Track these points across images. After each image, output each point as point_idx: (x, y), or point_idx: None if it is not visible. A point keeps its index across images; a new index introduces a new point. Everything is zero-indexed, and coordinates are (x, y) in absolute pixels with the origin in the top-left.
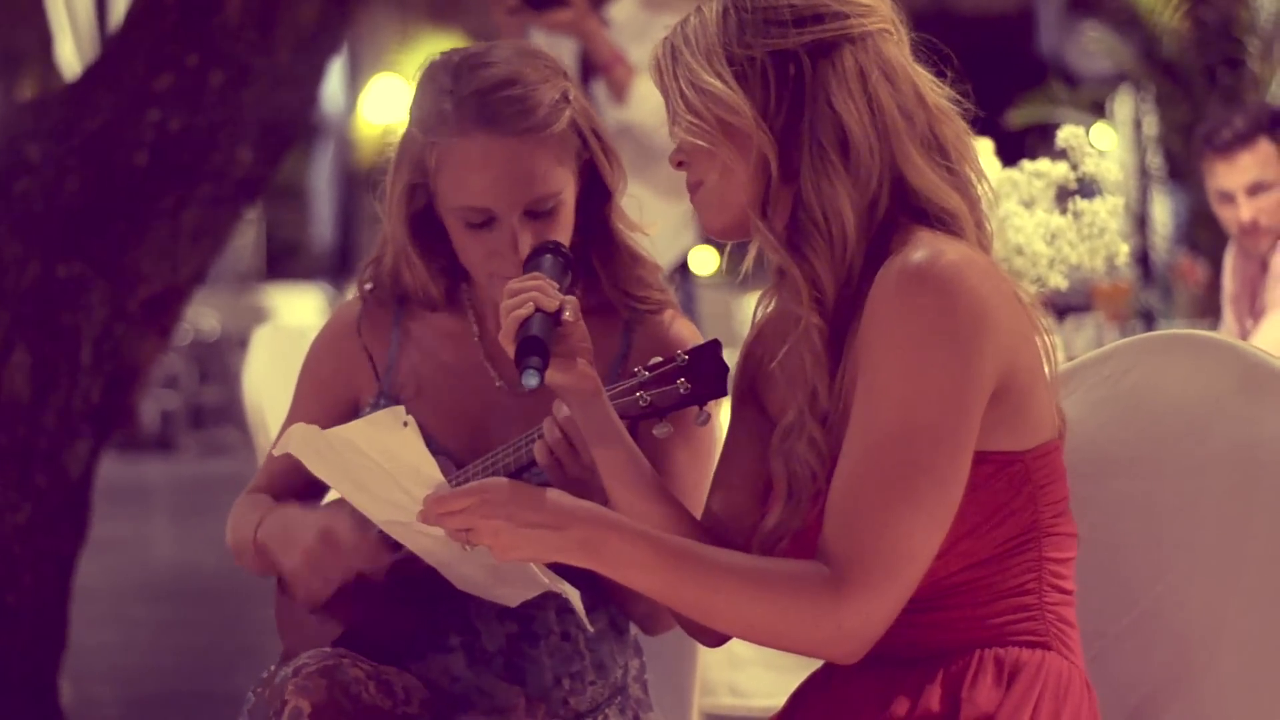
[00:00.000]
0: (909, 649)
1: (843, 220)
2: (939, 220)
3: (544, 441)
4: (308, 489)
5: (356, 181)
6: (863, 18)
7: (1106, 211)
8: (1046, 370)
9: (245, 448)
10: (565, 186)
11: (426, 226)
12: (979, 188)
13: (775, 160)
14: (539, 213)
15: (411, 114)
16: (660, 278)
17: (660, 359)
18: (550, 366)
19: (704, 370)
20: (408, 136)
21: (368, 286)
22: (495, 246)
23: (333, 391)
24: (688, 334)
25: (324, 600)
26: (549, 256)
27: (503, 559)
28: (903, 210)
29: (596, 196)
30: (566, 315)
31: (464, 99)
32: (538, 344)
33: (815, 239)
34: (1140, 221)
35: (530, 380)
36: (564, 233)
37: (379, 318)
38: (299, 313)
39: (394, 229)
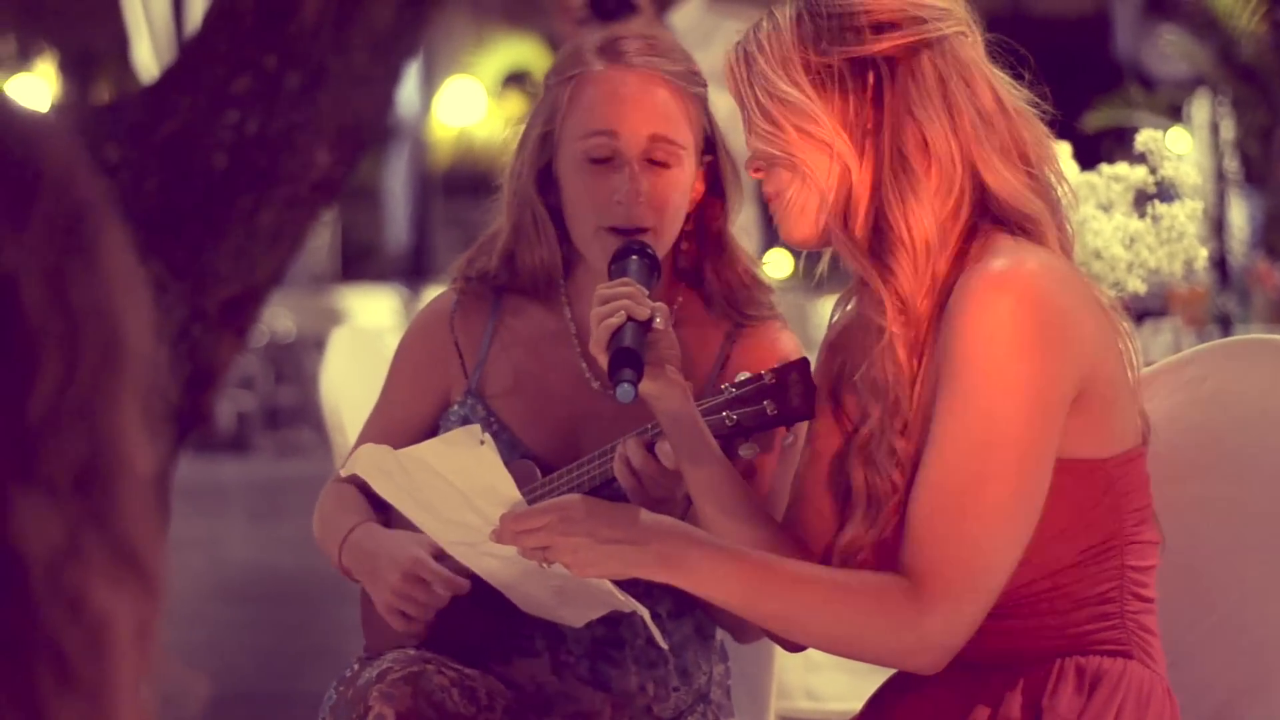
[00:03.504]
0: (989, 656)
1: (925, 230)
2: (1020, 226)
3: (625, 461)
4: None
5: (431, 183)
6: (939, 21)
7: (1185, 216)
8: (1130, 376)
9: (320, 448)
10: (687, 149)
11: (550, 191)
12: (1059, 190)
13: (856, 170)
14: (655, 162)
15: (549, 75)
16: (772, 299)
17: (747, 375)
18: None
19: (791, 391)
20: (543, 92)
21: (460, 282)
22: (615, 185)
23: (424, 383)
24: (790, 348)
25: (420, 630)
26: (635, 259)
27: (582, 575)
28: (983, 216)
29: (716, 207)
30: (657, 323)
31: (606, 42)
32: (631, 356)
33: (898, 250)
34: (1217, 226)
35: (625, 395)
36: (676, 199)
37: (474, 311)
38: (373, 314)
39: (523, 187)
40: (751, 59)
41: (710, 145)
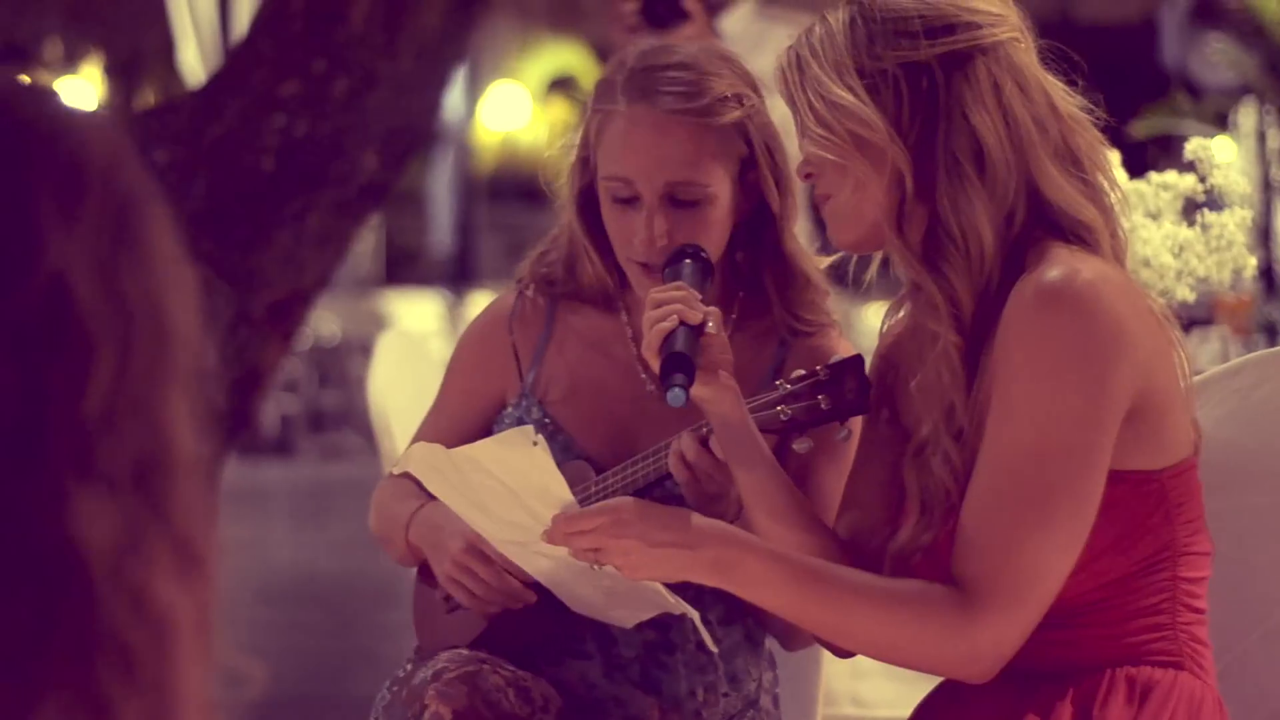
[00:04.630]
0: (1040, 665)
1: (980, 236)
2: (1074, 234)
3: (680, 456)
4: None
5: (475, 188)
6: (994, 27)
7: (1234, 224)
8: (1182, 386)
9: (363, 452)
10: (716, 184)
11: (593, 209)
12: (1112, 196)
13: (910, 175)
14: (680, 201)
15: (593, 94)
16: (829, 301)
17: (802, 372)
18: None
19: (845, 386)
20: (586, 112)
21: (525, 280)
22: (635, 227)
23: (479, 384)
24: (844, 351)
25: (488, 611)
26: (688, 263)
27: (632, 578)
28: (1038, 224)
29: (769, 216)
30: (710, 328)
31: (633, 73)
32: (683, 361)
33: (953, 255)
34: (1263, 234)
35: (676, 399)
36: (710, 233)
37: (532, 313)
38: (418, 318)
39: (565, 206)
40: (804, 63)
41: (752, 160)
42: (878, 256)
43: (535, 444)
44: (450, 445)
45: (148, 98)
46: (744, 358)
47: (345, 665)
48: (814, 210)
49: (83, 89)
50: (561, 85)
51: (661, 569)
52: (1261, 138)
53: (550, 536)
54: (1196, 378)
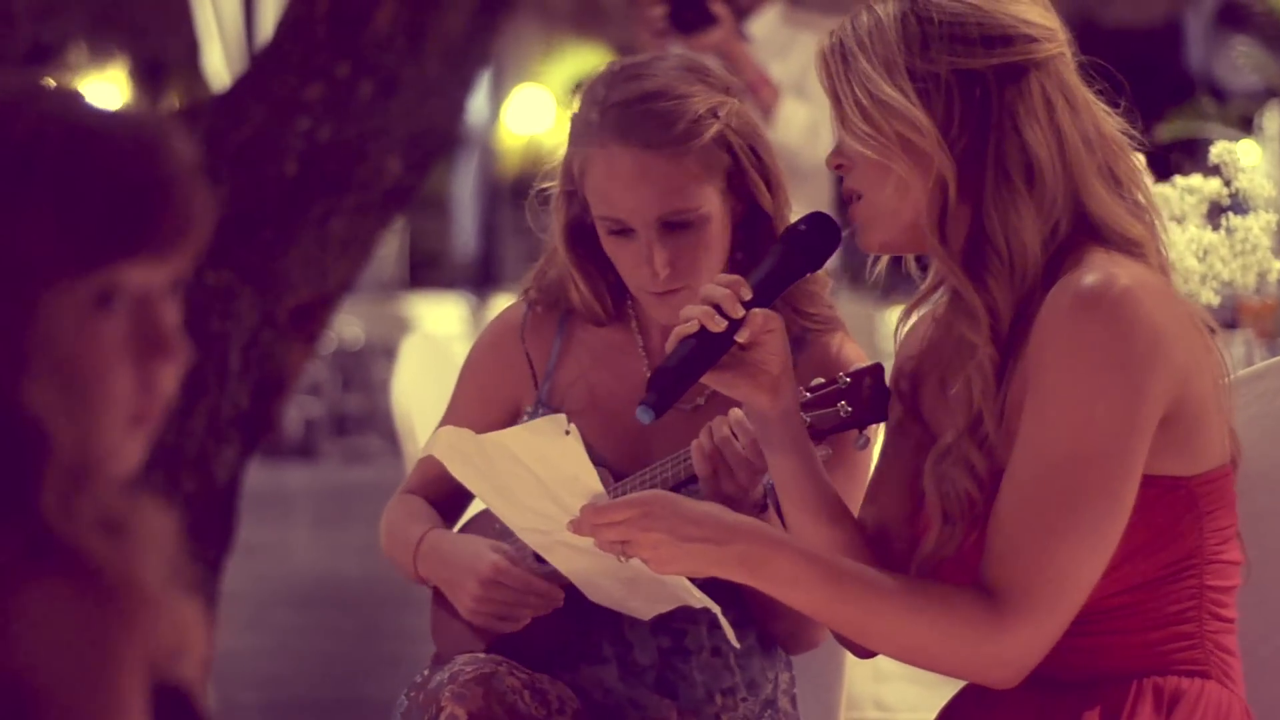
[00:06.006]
0: (1066, 671)
1: (1026, 249)
2: (1121, 249)
3: (703, 450)
4: (460, 491)
5: (499, 192)
6: (1047, 41)
7: (1259, 228)
8: (1219, 395)
9: (387, 455)
10: (706, 203)
11: (586, 237)
12: (1153, 217)
13: (954, 182)
14: (676, 225)
15: (570, 123)
16: (829, 292)
17: (821, 380)
18: (719, 381)
19: (865, 394)
20: (566, 146)
21: (531, 295)
22: (637, 258)
23: (493, 394)
24: (854, 357)
25: (514, 630)
26: (780, 249)
27: (660, 571)
28: (1079, 232)
29: (761, 215)
30: (740, 337)
31: (607, 110)
32: (666, 376)
33: (996, 266)
34: None
35: (642, 416)
36: (710, 250)
37: (543, 324)
38: (441, 322)
39: (552, 239)
40: (850, 54)
41: (738, 166)
42: (886, 256)
43: (567, 433)
44: None
45: (172, 101)
46: None
47: (367, 668)
48: (841, 204)
49: (108, 92)
50: None
51: (690, 564)
52: None
53: (577, 527)
54: None
